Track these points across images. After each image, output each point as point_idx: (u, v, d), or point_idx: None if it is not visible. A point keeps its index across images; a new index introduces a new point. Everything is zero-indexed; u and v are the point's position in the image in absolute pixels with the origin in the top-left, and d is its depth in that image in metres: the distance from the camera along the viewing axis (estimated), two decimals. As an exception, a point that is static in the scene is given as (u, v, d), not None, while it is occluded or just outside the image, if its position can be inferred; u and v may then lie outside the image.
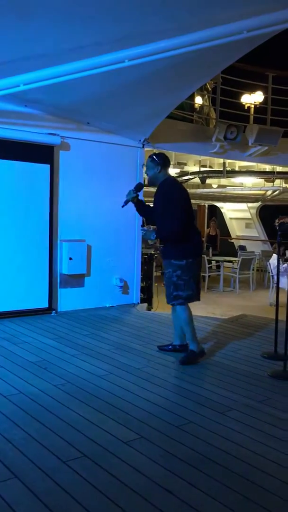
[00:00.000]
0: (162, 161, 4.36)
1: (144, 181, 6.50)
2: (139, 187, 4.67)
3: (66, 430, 2.93)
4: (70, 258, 6.16)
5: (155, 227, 4.52)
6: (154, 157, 4.38)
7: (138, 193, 4.60)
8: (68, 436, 2.85)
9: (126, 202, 4.59)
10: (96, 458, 2.59)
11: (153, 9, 3.63)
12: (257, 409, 3.32)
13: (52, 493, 2.27)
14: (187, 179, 10.78)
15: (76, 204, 6.28)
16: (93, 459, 2.58)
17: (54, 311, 6.17)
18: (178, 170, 10.58)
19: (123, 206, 4.63)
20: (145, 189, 5.73)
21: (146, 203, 4.73)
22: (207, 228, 14.88)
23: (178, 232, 4.20)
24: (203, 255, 9.27)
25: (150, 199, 4.71)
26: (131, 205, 4.64)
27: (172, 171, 9.89)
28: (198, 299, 4.37)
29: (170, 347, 4.62)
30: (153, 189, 4.57)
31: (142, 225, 5.26)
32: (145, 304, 7.17)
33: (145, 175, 4.87)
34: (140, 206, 4.63)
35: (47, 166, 5.99)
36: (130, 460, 2.58)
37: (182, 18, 3.77)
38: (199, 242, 4.44)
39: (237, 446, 2.79)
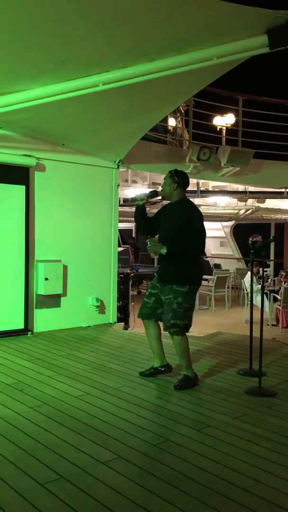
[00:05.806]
0: (181, 180, 4.30)
1: (120, 200, 6.52)
2: (153, 195, 4.60)
3: (43, 452, 2.91)
4: (46, 279, 6.15)
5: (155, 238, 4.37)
6: (174, 173, 4.29)
7: (148, 199, 4.55)
8: (45, 458, 2.82)
9: (134, 200, 4.60)
10: (74, 479, 2.58)
11: (129, 39, 3.76)
12: (233, 426, 3.36)
13: (30, 517, 2.25)
14: (162, 199, 10.86)
15: (52, 224, 6.30)
16: (71, 480, 2.57)
17: (30, 332, 6.12)
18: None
19: (130, 200, 4.69)
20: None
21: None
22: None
23: (199, 250, 4.28)
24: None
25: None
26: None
27: (148, 191, 9.97)
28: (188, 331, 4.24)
29: (152, 370, 4.49)
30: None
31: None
32: (122, 324, 7.18)
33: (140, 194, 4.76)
34: (143, 212, 4.54)
35: (23, 187, 6.01)
36: (109, 481, 2.58)
37: (154, 49, 3.91)
38: (201, 269, 4.33)
39: (214, 463, 2.82)
